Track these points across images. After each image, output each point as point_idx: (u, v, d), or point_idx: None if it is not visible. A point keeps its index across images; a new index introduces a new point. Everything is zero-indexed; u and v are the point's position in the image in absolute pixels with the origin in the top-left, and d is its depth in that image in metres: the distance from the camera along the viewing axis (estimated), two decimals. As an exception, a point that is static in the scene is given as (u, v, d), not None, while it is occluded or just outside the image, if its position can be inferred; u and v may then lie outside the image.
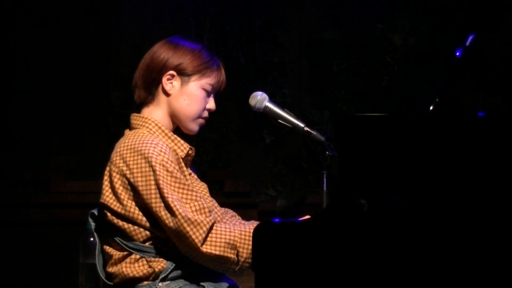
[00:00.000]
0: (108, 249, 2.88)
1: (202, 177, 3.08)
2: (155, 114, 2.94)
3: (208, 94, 2.96)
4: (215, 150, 5.07)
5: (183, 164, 2.91)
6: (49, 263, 5.02)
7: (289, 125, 2.98)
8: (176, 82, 2.93)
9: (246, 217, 3.12)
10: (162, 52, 2.95)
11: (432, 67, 5.21)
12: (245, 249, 2.77)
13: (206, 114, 2.98)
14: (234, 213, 3.03)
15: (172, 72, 2.93)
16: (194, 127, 2.97)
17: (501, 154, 2.47)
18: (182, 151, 2.93)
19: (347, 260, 2.49)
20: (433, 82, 5.14)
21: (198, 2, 5.21)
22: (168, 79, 2.93)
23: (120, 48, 5.24)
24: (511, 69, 5.18)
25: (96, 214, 2.93)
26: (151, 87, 2.95)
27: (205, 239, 2.76)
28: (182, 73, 2.93)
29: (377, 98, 5.29)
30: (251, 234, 2.72)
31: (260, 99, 3.00)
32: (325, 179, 2.94)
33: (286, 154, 5.31)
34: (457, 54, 2.84)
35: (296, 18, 5.35)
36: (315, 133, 2.96)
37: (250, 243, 2.73)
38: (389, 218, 2.48)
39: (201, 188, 2.97)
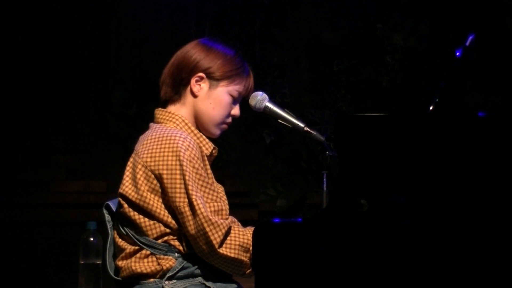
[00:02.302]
0: (120, 242, 2.89)
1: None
2: (180, 112, 2.94)
3: (234, 100, 2.96)
4: (215, 150, 5.06)
5: (207, 162, 2.92)
6: (49, 263, 5.02)
7: (289, 125, 2.98)
8: (205, 85, 2.93)
9: (246, 217, 3.13)
10: (194, 52, 2.95)
11: (432, 67, 5.21)
12: None
13: (230, 120, 2.98)
14: (235, 219, 3.04)
15: (201, 74, 2.92)
16: (216, 131, 2.98)
17: (501, 154, 2.47)
18: (207, 149, 2.93)
19: (347, 260, 2.49)
20: (433, 82, 5.14)
21: (198, 2, 5.21)
22: (197, 81, 2.93)
23: (120, 48, 5.24)
24: (511, 69, 5.18)
25: (111, 206, 2.93)
26: (179, 86, 2.95)
27: (222, 242, 2.78)
28: (211, 76, 2.93)
29: (377, 98, 5.29)
30: None
31: (260, 99, 3.00)
32: (325, 179, 2.94)
33: (286, 154, 5.31)
34: (457, 54, 2.84)
35: (296, 18, 5.35)
36: (315, 133, 2.96)
37: None
38: (389, 218, 2.48)
39: (219, 189, 2.97)
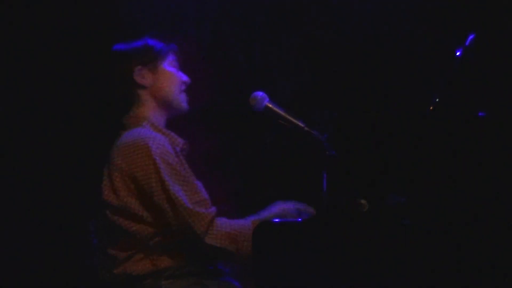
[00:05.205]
0: (111, 251, 2.89)
1: (202, 177, 3.09)
2: (144, 112, 2.98)
3: (177, 70, 3.06)
4: (215, 150, 5.07)
5: (181, 158, 2.93)
6: (49, 263, 5.02)
7: (289, 125, 2.99)
8: (146, 73, 3.00)
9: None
10: (116, 61, 3.02)
11: (432, 67, 5.22)
12: (245, 243, 2.78)
13: (184, 87, 3.07)
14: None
15: (137, 67, 2.99)
16: (182, 104, 3.07)
17: (501, 153, 2.47)
18: (177, 145, 2.96)
19: (347, 260, 2.49)
20: (433, 82, 5.14)
21: (198, 2, 5.22)
22: (138, 74, 2.99)
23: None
24: (511, 69, 5.18)
25: (97, 220, 2.94)
26: (129, 90, 3.00)
27: (207, 231, 2.78)
28: (146, 62, 3.01)
29: (377, 98, 5.29)
30: (250, 228, 2.74)
31: (260, 99, 3.01)
32: (325, 179, 2.95)
33: (286, 154, 5.31)
34: (457, 54, 2.85)
35: (296, 18, 5.35)
36: (315, 133, 2.96)
37: (250, 237, 2.75)
38: (389, 218, 2.48)
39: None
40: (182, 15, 5.24)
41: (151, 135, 2.87)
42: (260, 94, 3.02)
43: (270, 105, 3.00)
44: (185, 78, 3.09)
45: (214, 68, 4.80)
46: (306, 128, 2.97)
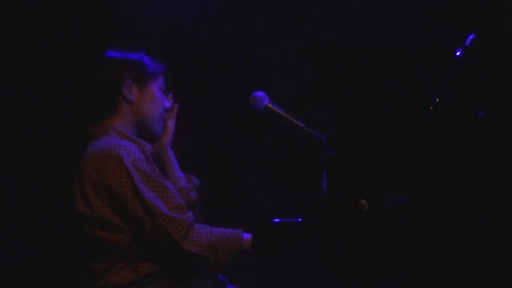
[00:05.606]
0: (92, 264, 2.86)
1: (201, 178, 3.08)
2: (117, 123, 2.95)
3: (163, 94, 3.03)
4: (215, 150, 5.06)
5: (153, 163, 2.92)
6: (49, 263, 5.02)
7: (289, 125, 2.99)
8: (135, 89, 2.97)
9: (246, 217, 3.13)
10: (108, 68, 2.98)
11: (432, 67, 5.21)
12: (225, 251, 2.77)
13: (165, 114, 3.04)
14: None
15: (128, 81, 2.96)
16: (158, 130, 3.03)
17: (501, 153, 2.47)
18: (146, 151, 2.94)
19: (347, 260, 2.49)
20: (433, 82, 5.13)
21: (198, 2, 5.22)
22: (127, 88, 2.95)
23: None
24: (511, 69, 5.17)
25: (73, 234, 2.92)
26: (110, 100, 2.97)
27: (185, 236, 2.77)
28: (137, 79, 2.98)
29: (377, 98, 5.28)
30: (231, 237, 2.74)
31: (260, 99, 3.01)
32: (325, 179, 2.95)
33: (286, 154, 5.30)
34: (457, 54, 2.85)
35: (296, 18, 5.35)
36: (315, 133, 2.96)
37: (230, 245, 2.75)
38: (389, 218, 2.48)
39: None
40: (182, 15, 5.25)
41: (120, 143, 2.83)
42: (260, 94, 3.01)
43: (270, 105, 3.00)
44: (168, 104, 3.07)
45: (214, 69, 4.80)
46: (306, 128, 2.96)
